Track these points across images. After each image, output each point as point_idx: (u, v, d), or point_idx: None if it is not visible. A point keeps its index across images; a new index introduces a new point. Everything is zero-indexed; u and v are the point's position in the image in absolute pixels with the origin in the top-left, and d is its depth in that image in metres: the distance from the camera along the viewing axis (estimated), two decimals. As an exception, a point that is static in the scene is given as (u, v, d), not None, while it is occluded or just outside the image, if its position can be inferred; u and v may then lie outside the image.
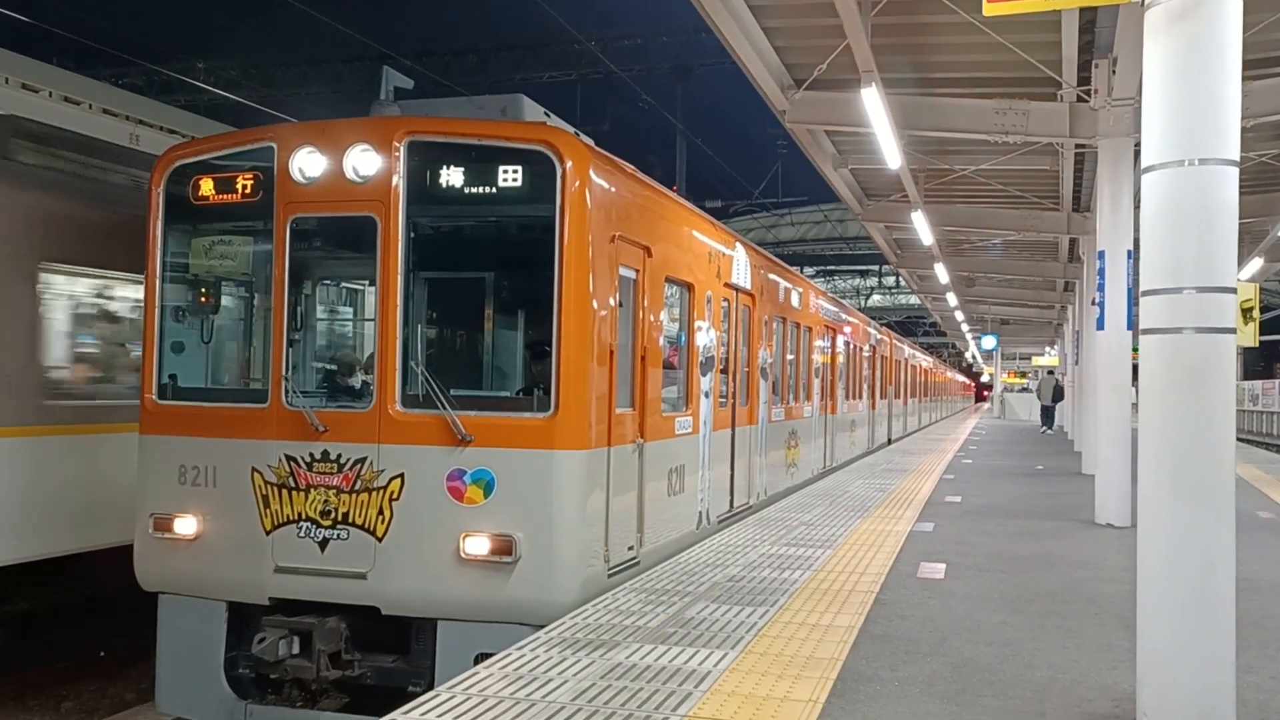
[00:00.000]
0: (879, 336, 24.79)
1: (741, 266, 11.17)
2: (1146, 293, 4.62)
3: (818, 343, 16.34)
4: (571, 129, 7.49)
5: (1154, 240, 4.61)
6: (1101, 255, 11.74)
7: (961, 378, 75.68)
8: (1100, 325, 11.69)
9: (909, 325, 66.61)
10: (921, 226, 19.69)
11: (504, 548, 6.57)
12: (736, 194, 40.43)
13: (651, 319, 8.06)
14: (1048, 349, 52.77)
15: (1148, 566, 4.63)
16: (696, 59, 34.08)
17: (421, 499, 6.77)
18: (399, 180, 6.95)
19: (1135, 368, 11.02)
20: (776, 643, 5.90)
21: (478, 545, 6.61)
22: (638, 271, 7.81)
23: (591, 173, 6.91)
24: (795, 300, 14.61)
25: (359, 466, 6.88)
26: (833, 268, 61.03)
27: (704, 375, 9.61)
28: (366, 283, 7.67)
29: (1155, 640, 4.56)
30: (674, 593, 7.14)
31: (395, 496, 6.81)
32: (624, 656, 5.52)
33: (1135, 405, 12.56)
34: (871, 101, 11.36)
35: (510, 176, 6.86)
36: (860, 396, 21.46)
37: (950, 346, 77.17)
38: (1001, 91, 13.25)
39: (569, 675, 5.15)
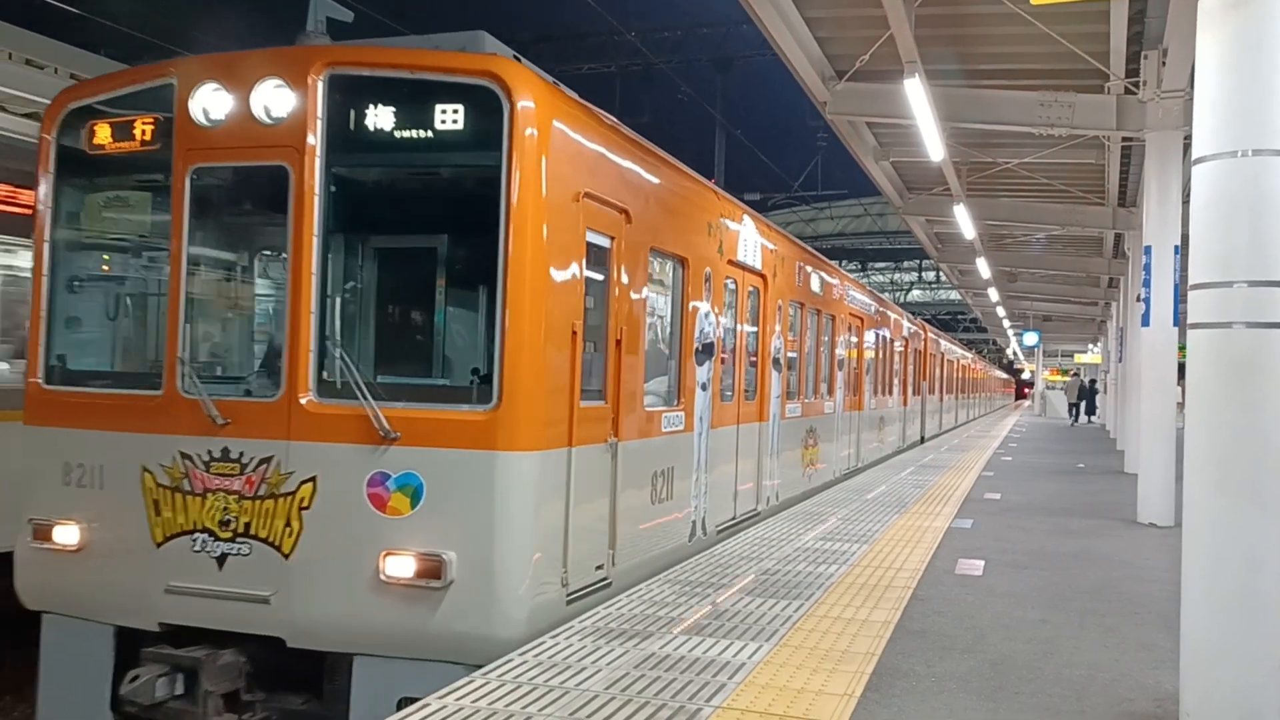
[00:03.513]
0: (912, 328, 23.31)
1: (750, 243, 9.97)
2: (1195, 286, 4.53)
3: (842, 332, 15.00)
4: (546, 75, 6.19)
5: (1204, 233, 4.52)
6: (1148, 250, 11.55)
7: (1001, 374, 74.78)
8: (1146, 322, 11.51)
9: (949, 321, 66.00)
10: (963, 220, 19.48)
11: (432, 570, 5.44)
12: (776, 187, 40.14)
13: (631, 296, 6.95)
14: (1090, 346, 52.03)
15: (1192, 564, 4.55)
16: (737, 50, 33.88)
17: (337, 508, 5.65)
18: (316, 122, 5.82)
19: (1180, 366, 10.86)
20: (812, 636, 5.87)
21: (401, 566, 5.49)
22: (613, 239, 6.67)
23: (550, 114, 5.83)
24: (816, 285, 13.25)
25: (264, 468, 5.78)
26: (872, 262, 60.61)
27: (700, 365, 8.49)
28: (279, 248, 6.26)
29: (1199, 639, 4.48)
30: (708, 585, 7.12)
31: (305, 504, 5.69)
32: (658, 647, 5.52)
33: (1180, 404, 12.39)
34: (914, 93, 11.24)
35: (449, 117, 5.69)
36: (890, 392, 20.03)
37: (991, 343, 76.38)
38: (1047, 83, 13.09)
39: (603, 664, 5.16)
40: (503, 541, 5.53)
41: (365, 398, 5.62)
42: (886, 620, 6.31)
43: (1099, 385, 41.09)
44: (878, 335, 18.14)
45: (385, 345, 6.62)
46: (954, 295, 56.80)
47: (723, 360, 9.26)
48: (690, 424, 8.32)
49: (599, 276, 6.60)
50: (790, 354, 11.89)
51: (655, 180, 7.57)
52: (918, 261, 61.34)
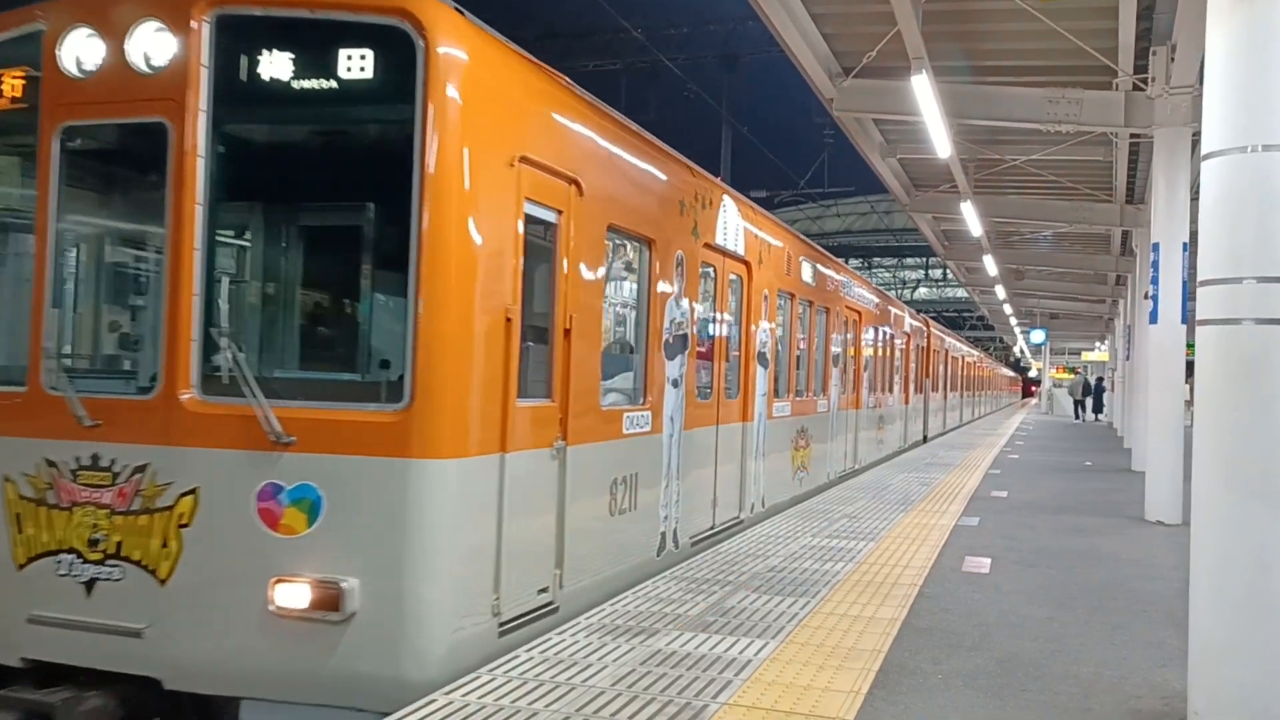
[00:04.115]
0: (914, 324, 22.49)
1: (731, 226, 9.13)
2: (1204, 283, 4.51)
3: (838, 327, 14.14)
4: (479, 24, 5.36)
5: (1213, 229, 4.50)
6: (1156, 248, 11.51)
7: (1008, 372, 74.63)
8: (1153, 319, 11.48)
9: (956, 319, 65.92)
10: (970, 217, 19.44)
11: (328, 600, 4.69)
12: (782, 184, 40.23)
13: (584, 280, 6.18)
14: (1098, 344, 51.93)
15: (1200, 563, 4.53)
16: (743, 48, 33.91)
17: (221, 526, 4.89)
18: (200, 70, 5.01)
19: (1188, 364, 10.83)
20: (818, 633, 5.86)
21: (293, 595, 4.73)
22: (560, 213, 5.90)
23: (478, 63, 5.10)
24: (808, 275, 12.29)
25: (138, 477, 4.98)
26: (878, 259, 60.54)
27: (671, 359, 7.69)
28: (159, 219, 5.24)
29: (1207, 638, 4.46)
30: (714, 582, 7.11)
31: (185, 521, 4.92)
32: (664, 644, 5.51)
33: (1188, 402, 12.35)
34: (922, 89, 11.21)
35: (355, 64, 4.88)
36: (890, 390, 19.17)
37: (998, 341, 76.25)
38: (1055, 80, 13.05)
39: (608, 661, 5.15)
40: (415, 566, 4.77)
41: (254, 395, 4.82)
42: (893, 618, 6.30)
43: (1106, 383, 41.04)
44: (877, 330, 17.35)
45: (280, 334, 5.71)
46: (961, 293, 56.70)
47: (700, 355, 8.50)
48: (658, 425, 7.50)
49: (543, 256, 5.83)
50: (779, 349, 11.10)
51: (614, 149, 6.78)
52: (924, 259, 61.28)
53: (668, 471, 7.72)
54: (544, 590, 5.78)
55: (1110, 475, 16.85)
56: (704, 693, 4.71)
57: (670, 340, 7.69)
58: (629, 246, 7.27)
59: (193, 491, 4.94)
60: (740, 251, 9.42)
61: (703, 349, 8.60)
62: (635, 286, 7.46)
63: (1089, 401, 43.32)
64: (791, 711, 4.51)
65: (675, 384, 7.82)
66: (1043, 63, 12.77)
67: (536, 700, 4.52)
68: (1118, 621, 6.51)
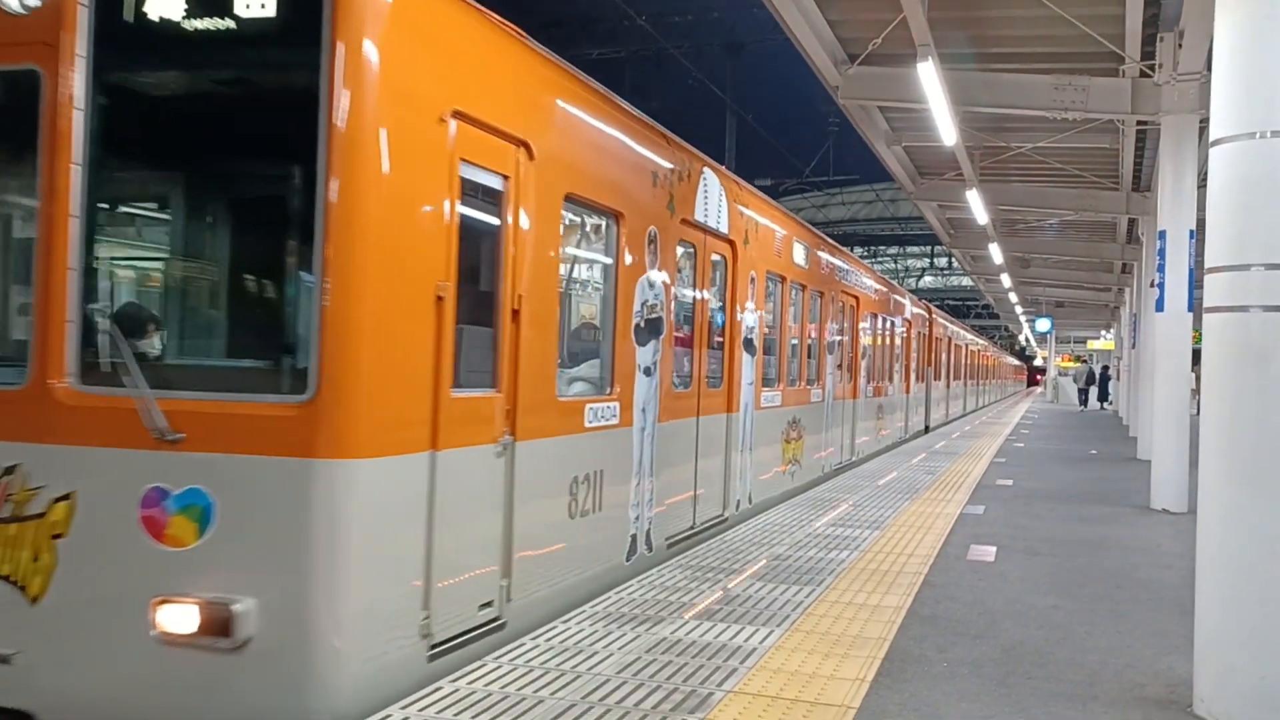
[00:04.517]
0: (916, 310, 21.77)
1: (713, 202, 8.49)
2: (1211, 270, 4.49)
3: (834, 312, 13.43)
4: None
5: (1221, 215, 4.48)
6: (1162, 235, 11.47)
7: (1013, 360, 74.51)
8: (1160, 307, 11.45)
9: (961, 307, 65.82)
10: (976, 206, 19.38)
11: (219, 623, 4.08)
12: (787, 172, 40.10)
13: (535, 255, 5.52)
14: (1103, 333, 51.87)
15: (1206, 551, 4.53)
16: (748, 35, 33.79)
17: (100, 536, 4.28)
18: (78, 9, 4.38)
19: (1195, 352, 10.80)
20: (824, 621, 5.87)
21: (180, 617, 4.13)
22: (507, 179, 5.24)
23: (400, 1, 4.45)
24: (801, 257, 11.58)
25: (6, 480, 4.37)
26: (883, 247, 60.43)
27: (643, 345, 7.05)
28: (31, 180, 4.55)
29: (1213, 625, 4.46)
30: (720, 569, 7.12)
31: (60, 530, 4.31)
32: (669, 632, 5.52)
33: (1194, 390, 12.32)
34: (928, 77, 11.16)
35: (255, 1, 4.27)
36: (890, 378, 18.47)
37: (1003, 329, 76.12)
38: (1061, 67, 12.99)
39: (614, 649, 5.16)
40: (321, 583, 4.13)
41: (137, 383, 4.22)
42: (898, 606, 6.30)
43: (1112, 372, 41.00)
44: (876, 317, 16.75)
45: (169, 313, 5.05)
46: (966, 281, 56.60)
47: (678, 341, 7.89)
48: (628, 417, 6.86)
49: (485, 227, 5.18)
50: (768, 335, 10.46)
51: (573, 110, 6.11)
52: (930, 247, 61.15)
53: (639, 468, 7.09)
54: (487, 605, 5.13)
55: (1116, 464, 16.84)
56: (709, 680, 4.72)
57: (642, 325, 7.03)
58: (592, 220, 6.65)
59: (68, 496, 4.30)
60: (724, 230, 8.79)
61: (681, 335, 8.04)
62: (600, 265, 6.85)
63: (1093, 390, 43.39)
64: (797, 699, 4.52)
65: (648, 372, 7.15)
66: (1049, 49, 12.72)
67: (542, 688, 4.53)
68: (1123, 610, 6.51)
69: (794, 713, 4.35)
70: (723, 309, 9.06)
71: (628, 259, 6.82)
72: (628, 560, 7.00)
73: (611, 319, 6.74)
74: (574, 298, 6.88)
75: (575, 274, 6.81)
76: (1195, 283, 10.62)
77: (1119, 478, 14.41)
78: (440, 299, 4.65)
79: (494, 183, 5.18)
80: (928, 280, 66.21)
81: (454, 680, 4.61)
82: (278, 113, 4.55)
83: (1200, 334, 4.66)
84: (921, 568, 7.49)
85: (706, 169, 8.35)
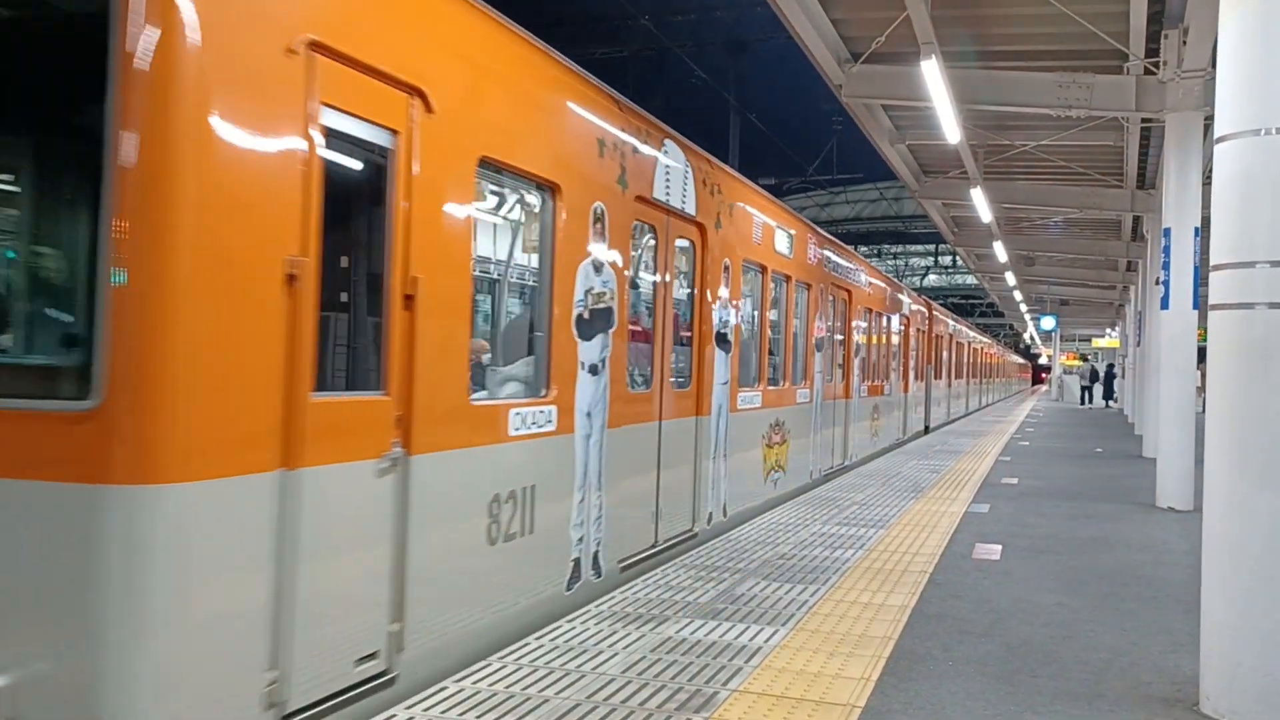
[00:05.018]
0: (914, 306, 20.96)
1: (677, 178, 7.53)
2: (1216, 267, 4.48)
3: (823, 306, 12.54)
4: None
5: (1226, 213, 4.47)
6: (1167, 233, 11.46)
7: (1017, 358, 74.38)
8: (1164, 305, 11.43)
9: (965, 306, 65.78)
10: (980, 204, 19.36)
11: None
12: (791, 171, 40.05)
13: (436, 229, 4.57)
14: (1108, 330, 51.76)
15: (1213, 549, 4.52)
16: (751, 33, 33.78)
17: None
18: None
19: (1200, 350, 10.77)
20: (828, 620, 5.86)
21: None
22: (396, 134, 4.33)
23: None
24: (784, 244, 10.66)
25: None
26: (886, 245, 60.41)
27: (586, 339, 6.15)
28: None
29: (1219, 623, 4.45)
30: (724, 569, 7.12)
31: None
32: (674, 631, 5.52)
33: (1199, 388, 12.29)
34: (931, 75, 11.15)
35: None
36: (886, 377, 17.66)
37: (1008, 327, 76.04)
38: (1065, 64, 12.97)
39: (619, 648, 5.16)
40: (111, 649, 3.19)
41: None
42: (903, 605, 6.30)
43: (1117, 370, 40.95)
44: (870, 312, 15.89)
45: None
46: (970, 280, 56.54)
47: (636, 336, 7.09)
48: (568, 423, 5.93)
49: (363, 193, 4.38)
50: (747, 330, 9.69)
51: (489, 58, 5.15)
52: (934, 245, 61.11)
53: (583, 481, 6.17)
54: (369, 658, 4.22)
55: (1121, 461, 16.82)
56: (714, 680, 4.72)
57: (586, 316, 6.10)
58: (520, 192, 5.79)
59: None
60: (690, 211, 7.84)
61: (638, 329, 7.20)
62: (532, 246, 5.98)
63: (1096, 388, 43.44)
64: (802, 699, 4.52)
65: (594, 371, 6.22)
66: (1053, 47, 12.69)
67: (547, 688, 4.53)
68: (1129, 608, 6.50)
69: (799, 711, 4.34)
70: (691, 300, 8.19)
71: (566, 239, 5.84)
72: (569, 589, 6.06)
73: (547, 309, 5.76)
74: (503, 284, 6.00)
75: (500, 255, 5.91)
76: (1200, 280, 10.59)
77: (1124, 476, 14.38)
78: (293, 279, 3.70)
79: (377, 138, 4.26)
80: (932, 279, 66.17)
81: (459, 680, 4.61)
82: (61, 45, 3.62)
83: (1205, 332, 4.64)
84: (927, 566, 7.48)
85: (669, 141, 7.44)
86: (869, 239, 58.86)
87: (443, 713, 4.18)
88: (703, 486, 8.40)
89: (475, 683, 4.57)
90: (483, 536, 5.08)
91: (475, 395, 5.14)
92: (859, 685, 4.73)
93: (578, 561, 6.17)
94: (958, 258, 46.05)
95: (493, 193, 5.73)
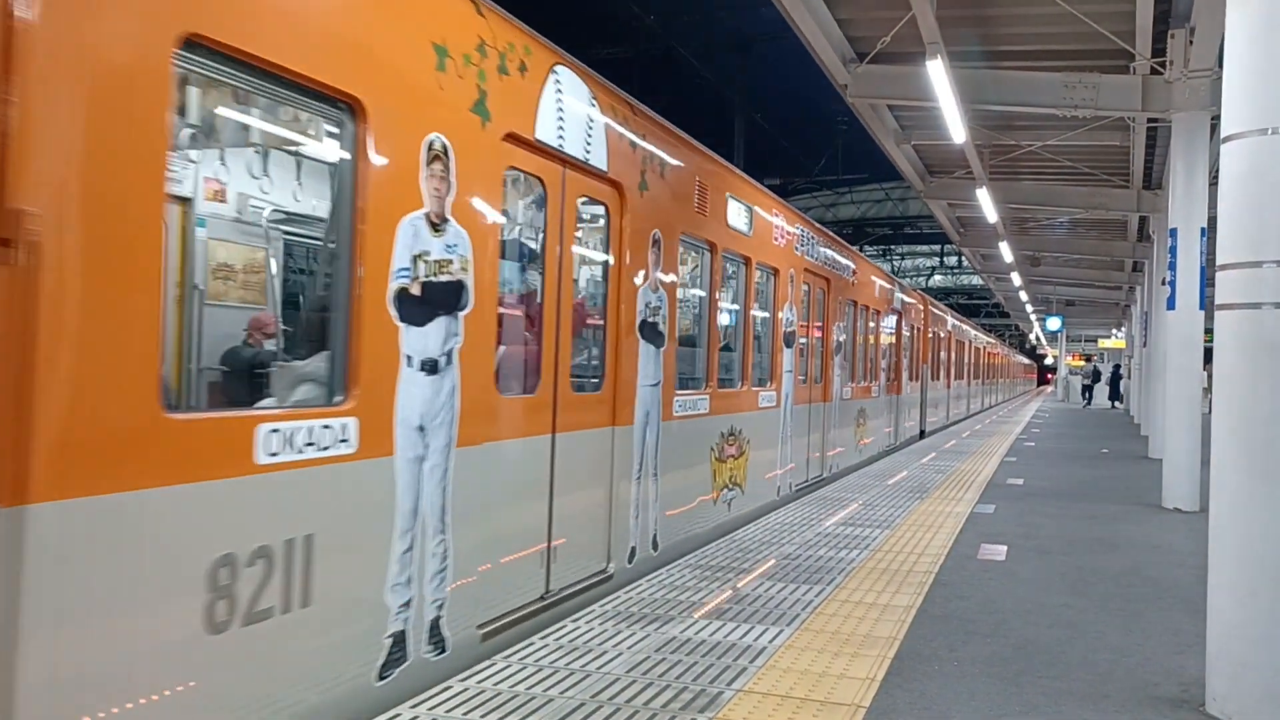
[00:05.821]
0: (909, 300, 19.69)
1: (579, 119, 5.98)
2: (1224, 267, 4.47)
3: (795, 296, 11.11)
4: None
5: (1233, 212, 4.46)
6: (1173, 233, 11.43)
7: (1022, 358, 74.17)
8: (1171, 305, 11.40)
9: (971, 305, 65.68)
10: (986, 204, 19.33)
11: None
12: (796, 171, 40.04)
13: (87, 147, 3.00)
14: (1114, 331, 51.65)
15: (1220, 549, 4.50)
16: (757, 32, 33.74)
17: None
18: None
19: (1206, 351, 10.75)
20: (833, 621, 5.85)
21: None
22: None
23: None
24: (740, 219, 9.14)
25: None
26: (892, 245, 60.33)
27: (414, 325, 4.50)
28: None
29: (1226, 625, 4.43)
30: (729, 569, 7.11)
31: None
32: (679, 631, 5.51)
33: (1205, 389, 12.27)
34: (937, 75, 11.13)
35: None
36: (875, 377, 16.28)
37: (1014, 328, 75.90)
38: (1071, 64, 12.95)
39: (623, 648, 5.16)
40: None
41: None
42: (909, 605, 6.29)
43: (1123, 370, 40.88)
44: (855, 305, 14.47)
45: None
46: (976, 280, 56.44)
47: (509, 323, 5.69)
48: (380, 442, 4.30)
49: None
50: (689, 321, 8.37)
51: None
52: (939, 245, 60.99)
53: (411, 523, 4.55)
54: None
55: (1127, 462, 16.78)
56: (719, 679, 4.71)
57: (413, 292, 4.48)
58: (280, 106, 4.42)
59: None
60: (601, 165, 6.29)
61: (514, 313, 5.77)
62: (315, 191, 4.75)
63: (1098, 388, 43.48)
64: (807, 698, 4.51)
65: (430, 368, 4.62)
66: (1059, 47, 12.67)
67: (552, 687, 4.53)
68: (1135, 608, 6.48)
69: (804, 711, 4.34)
70: (603, 281, 6.67)
71: (378, 185, 4.21)
72: (382, 678, 4.40)
73: (346, 283, 4.14)
74: (279, 243, 4.53)
75: (256, 201, 4.36)
76: (1207, 280, 10.57)
77: (1130, 476, 14.35)
78: None
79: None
80: (938, 279, 66.06)
81: (464, 679, 4.61)
82: None
83: (1212, 332, 4.63)
84: (932, 567, 7.47)
85: (563, 67, 5.75)
86: (875, 239, 58.78)
87: (447, 712, 4.19)
88: (622, 514, 6.86)
89: (480, 681, 4.57)
90: (196, 620, 3.42)
91: (191, 405, 3.53)
92: (864, 685, 4.72)
93: (400, 636, 4.51)
94: (963, 258, 45.99)
95: (212, 93, 4.08)
